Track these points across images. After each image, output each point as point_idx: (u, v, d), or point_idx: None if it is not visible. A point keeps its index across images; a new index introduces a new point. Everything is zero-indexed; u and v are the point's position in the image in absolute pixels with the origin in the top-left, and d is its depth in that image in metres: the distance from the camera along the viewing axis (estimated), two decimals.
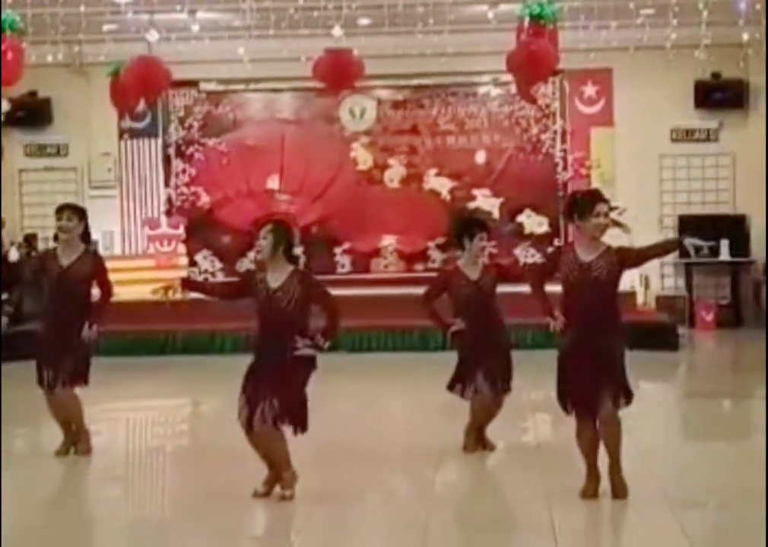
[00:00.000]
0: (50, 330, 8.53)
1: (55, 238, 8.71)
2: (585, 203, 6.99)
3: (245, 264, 17.20)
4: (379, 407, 11.56)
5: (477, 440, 8.49)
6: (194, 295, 17.00)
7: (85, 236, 8.60)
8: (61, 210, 8.55)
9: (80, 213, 8.57)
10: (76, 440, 8.69)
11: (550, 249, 16.84)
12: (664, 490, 7.22)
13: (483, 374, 8.36)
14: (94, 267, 8.56)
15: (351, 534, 6.69)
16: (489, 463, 8.44)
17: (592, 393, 6.91)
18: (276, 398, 7.02)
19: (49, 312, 8.62)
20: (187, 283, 7.77)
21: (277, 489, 7.17)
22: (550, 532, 6.37)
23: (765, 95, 16.43)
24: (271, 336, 7.12)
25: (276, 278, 7.12)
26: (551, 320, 7.09)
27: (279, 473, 7.19)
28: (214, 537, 6.58)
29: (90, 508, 7.62)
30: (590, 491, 7.02)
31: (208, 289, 8.41)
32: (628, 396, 6.99)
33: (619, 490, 6.97)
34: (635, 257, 7.12)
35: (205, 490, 7.49)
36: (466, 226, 8.66)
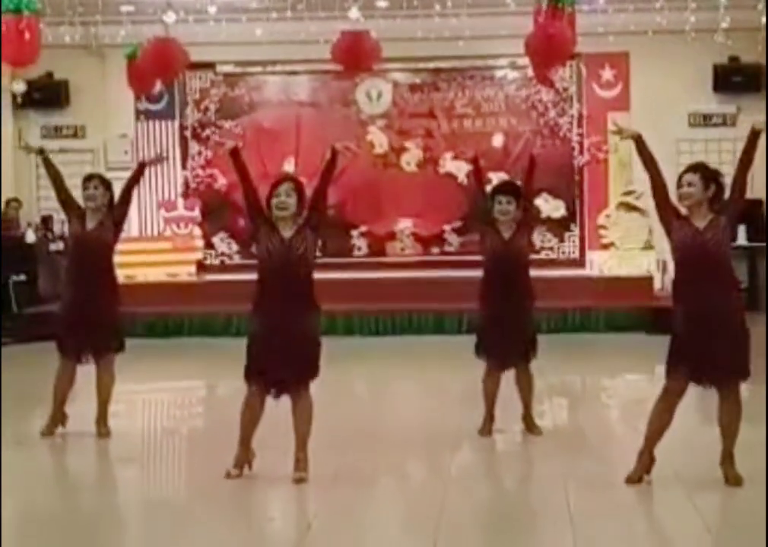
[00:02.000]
0: (74, 297, 8.66)
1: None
2: (679, 175, 7.12)
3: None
4: (394, 391, 11.55)
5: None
6: (210, 277, 17.09)
7: (110, 206, 8.78)
8: (89, 179, 8.79)
9: (107, 183, 8.82)
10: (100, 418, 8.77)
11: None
12: (679, 473, 7.22)
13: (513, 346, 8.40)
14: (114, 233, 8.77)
15: (367, 517, 6.71)
16: (505, 447, 8.45)
17: (716, 363, 6.93)
18: (307, 355, 7.11)
19: (72, 276, 8.73)
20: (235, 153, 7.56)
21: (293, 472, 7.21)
22: (566, 515, 6.38)
23: None
24: (289, 285, 7.10)
25: (287, 230, 7.15)
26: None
27: (302, 449, 7.22)
28: (231, 519, 6.59)
29: (107, 490, 7.64)
30: (636, 477, 7.04)
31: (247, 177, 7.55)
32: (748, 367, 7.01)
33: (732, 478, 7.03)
34: (735, 189, 7.20)
35: (221, 472, 7.50)
36: (490, 194, 8.62)
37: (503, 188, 8.68)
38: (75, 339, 8.64)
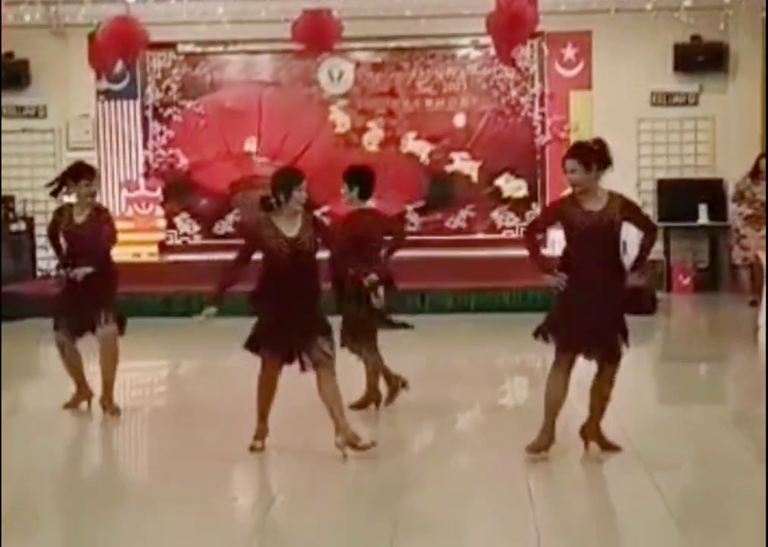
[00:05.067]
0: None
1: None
2: (562, 159, 7.22)
3: (224, 226, 17.21)
4: (356, 367, 11.51)
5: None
6: (172, 257, 17.08)
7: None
8: (82, 175, 8.79)
9: (96, 174, 8.97)
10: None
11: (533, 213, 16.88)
12: (639, 453, 7.27)
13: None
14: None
15: (333, 491, 6.73)
16: (466, 425, 8.47)
17: (603, 337, 7.21)
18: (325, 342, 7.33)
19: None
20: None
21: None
22: (526, 494, 6.42)
23: (747, 59, 16.40)
24: (301, 283, 7.35)
25: (289, 227, 7.38)
26: (550, 277, 7.15)
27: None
28: (195, 497, 6.59)
29: (70, 468, 7.62)
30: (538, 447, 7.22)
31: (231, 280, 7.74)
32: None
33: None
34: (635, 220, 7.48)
35: (184, 451, 7.50)
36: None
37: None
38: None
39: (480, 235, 16.96)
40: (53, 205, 17.09)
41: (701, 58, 16.79)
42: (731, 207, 16.06)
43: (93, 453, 8.12)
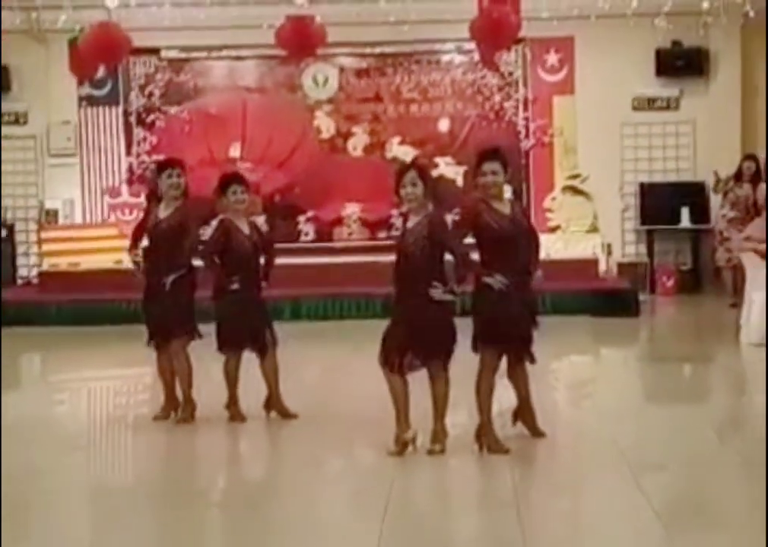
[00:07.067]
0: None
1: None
2: (477, 163, 7.49)
3: (208, 232, 17.12)
4: (341, 374, 11.53)
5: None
6: None
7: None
8: (171, 167, 8.96)
9: (185, 171, 8.96)
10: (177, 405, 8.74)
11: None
12: (624, 454, 7.28)
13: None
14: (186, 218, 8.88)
15: (321, 493, 6.74)
16: (451, 428, 8.46)
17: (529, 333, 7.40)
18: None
19: (149, 263, 8.91)
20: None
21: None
22: (511, 494, 6.43)
23: (726, 63, 16.55)
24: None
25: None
26: (490, 279, 7.32)
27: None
28: (180, 504, 6.59)
29: (50, 477, 7.58)
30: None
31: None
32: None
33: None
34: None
35: (168, 457, 7.49)
36: (222, 181, 8.81)
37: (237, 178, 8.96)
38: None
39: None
40: (34, 212, 17.19)
41: (681, 63, 16.93)
42: (714, 208, 16.15)
43: (75, 461, 8.09)
